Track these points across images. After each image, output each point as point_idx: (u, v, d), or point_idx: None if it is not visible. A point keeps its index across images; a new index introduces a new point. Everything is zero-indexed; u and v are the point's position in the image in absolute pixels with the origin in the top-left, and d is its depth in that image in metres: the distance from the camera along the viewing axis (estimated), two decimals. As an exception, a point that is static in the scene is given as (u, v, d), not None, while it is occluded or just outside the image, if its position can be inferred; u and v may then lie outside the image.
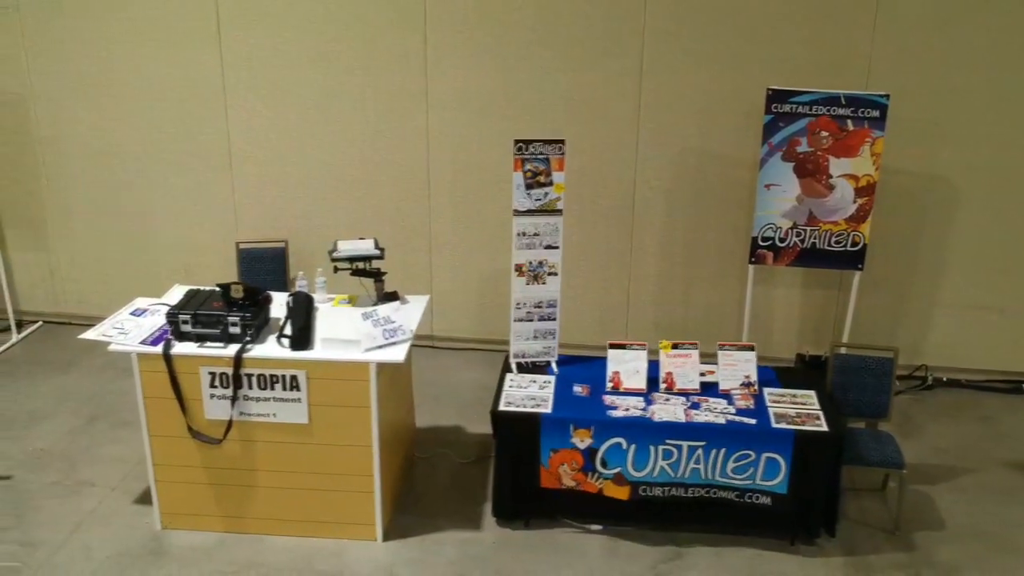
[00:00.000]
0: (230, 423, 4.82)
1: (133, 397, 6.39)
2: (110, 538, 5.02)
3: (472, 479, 5.58)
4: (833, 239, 6.14)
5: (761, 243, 6.23)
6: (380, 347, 4.78)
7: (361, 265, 5.32)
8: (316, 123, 6.75)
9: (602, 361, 5.25)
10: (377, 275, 5.29)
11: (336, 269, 5.31)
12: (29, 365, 6.92)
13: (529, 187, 4.98)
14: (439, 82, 6.54)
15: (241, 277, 6.86)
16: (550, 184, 5.00)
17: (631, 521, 5.06)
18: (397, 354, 4.74)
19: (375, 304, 5.26)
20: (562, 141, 4.97)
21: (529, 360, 5.33)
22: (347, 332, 4.84)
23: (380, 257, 5.27)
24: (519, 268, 5.14)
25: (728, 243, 6.68)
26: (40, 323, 7.53)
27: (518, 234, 5.07)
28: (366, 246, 5.24)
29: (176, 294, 5.40)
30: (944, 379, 6.79)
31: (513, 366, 5.30)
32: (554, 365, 5.33)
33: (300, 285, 5.28)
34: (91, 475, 5.58)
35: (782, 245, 6.22)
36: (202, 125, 6.85)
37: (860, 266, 6.17)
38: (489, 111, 6.56)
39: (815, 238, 6.15)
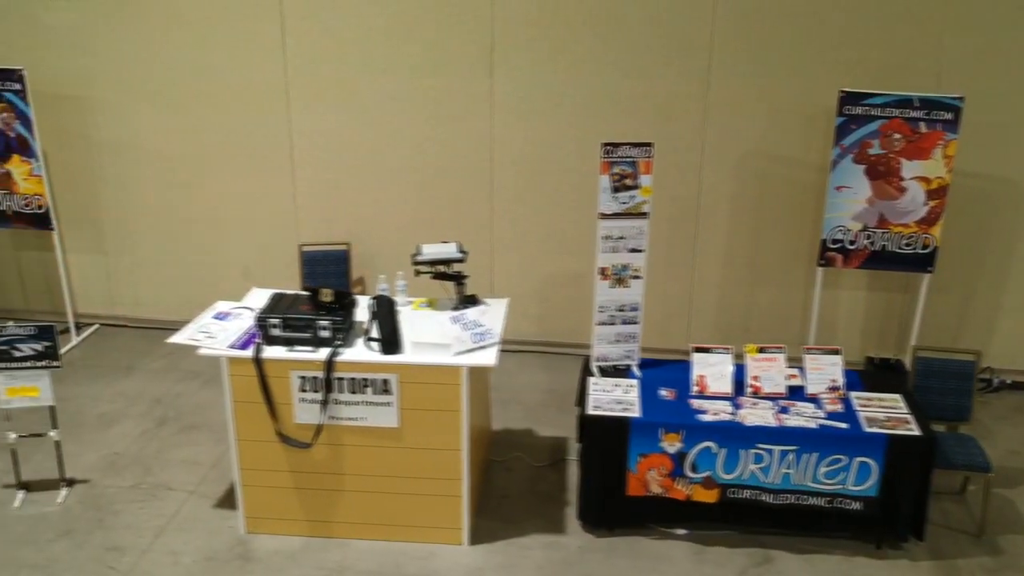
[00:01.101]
0: (319, 427, 4.80)
1: (198, 400, 6.45)
2: (195, 542, 5.01)
3: (549, 483, 5.57)
4: (903, 242, 6.13)
5: (830, 245, 6.22)
6: (469, 351, 4.76)
7: (442, 268, 5.31)
8: (379, 126, 6.74)
9: (683, 364, 5.24)
10: (458, 278, 5.28)
11: (417, 272, 5.30)
12: (89, 368, 6.90)
13: (616, 190, 4.97)
14: (505, 84, 6.53)
15: (304, 280, 6.85)
16: (636, 187, 4.99)
17: (716, 525, 5.04)
18: (488, 357, 4.73)
19: (455, 307, 5.25)
20: (650, 144, 4.96)
21: (611, 364, 5.31)
22: (436, 336, 4.83)
23: (462, 260, 5.26)
24: (603, 271, 5.13)
25: (792, 246, 6.67)
26: (96, 325, 7.52)
27: (603, 237, 5.06)
28: (449, 249, 5.22)
29: (256, 297, 5.39)
30: (1008, 381, 6.77)
31: (595, 370, 5.29)
32: (635, 368, 5.31)
33: (381, 288, 5.26)
34: (167, 479, 5.57)
35: (851, 247, 6.21)
36: (265, 129, 6.84)
37: (930, 268, 6.16)
38: (554, 114, 6.55)
39: (885, 240, 6.14)
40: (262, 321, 4.80)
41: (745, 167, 6.53)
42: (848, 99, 5.95)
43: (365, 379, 4.72)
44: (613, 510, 5.02)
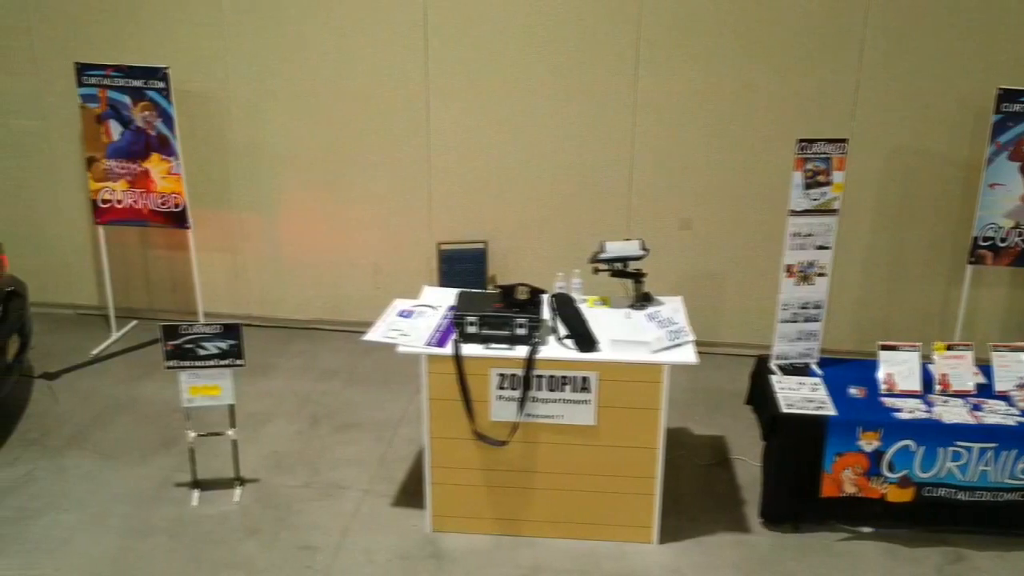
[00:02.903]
0: (515, 425, 4.79)
1: (345, 399, 6.44)
2: (383, 541, 5.00)
3: (720, 481, 5.55)
4: (1056, 239, 6.11)
5: (981, 243, 6.20)
6: (666, 348, 4.75)
7: (618, 266, 5.29)
8: (518, 126, 6.72)
9: (863, 362, 5.23)
10: (637, 276, 5.26)
11: (596, 270, 5.29)
12: (224, 367, 6.88)
13: (808, 187, 4.95)
14: (649, 83, 6.51)
15: (441, 278, 6.84)
16: (829, 184, 4.97)
17: (903, 523, 5.02)
18: (688, 355, 4.71)
19: (632, 305, 5.24)
20: (844, 140, 4.95)
21: (789, 362, 5.29)
22: (636, 333, 4.82)
23: (639, 258, 5.24)
24: (789, 269, 5.11)
25: (937, 243, 6.65)
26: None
27: (792, 234, 5.04)
28: (632, 247, 5.20)
29: (432, 295, 5.37)
30: None
31: (775, 368, 5.27)
32: (815, 367, 5.29)
33: (560, 286, 5.25)
34: (336, 477, 5.56)
35: (1003, 245, 6.19)
36: (402, 128, 6.83)
37: (1081, 266, 6.15)
38: (697, 113, 6.53)
39: (1038, 237, 6.13)
40: (459, 319, 4.79)
41: (892, 164, 6.51)
42: (1006, 96, 5.94)
43: (564, 376, 4.71)
44: (801, 508, 5.00)
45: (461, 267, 6.82)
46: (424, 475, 4.97)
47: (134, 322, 7.51)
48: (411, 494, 5.39)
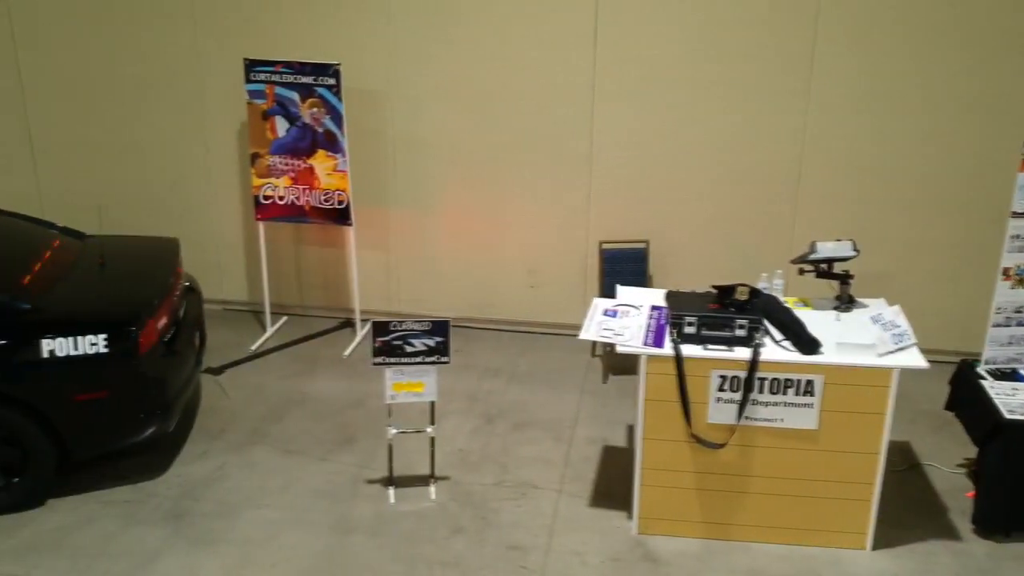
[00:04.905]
0: (733, 428, 4.72)
1: (511, 397, 6.41)
2: (591, 543, 4.95)
3: (916, 487, 5.45)
4: None
5: None
6: (890, 352, 4.66)
7: (824, 267, 5.21)
8: (682, 124, 6.66)
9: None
10: (844, 277, 5.18)
11: (802, 271, 5.21)
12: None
13: (1033, 188, 4.83)
14: (824, 83, 6.41)
15: (602, 277, 6.80)
16: (1052, 185, 4.85)
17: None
18: (917, 359, 4.62)
19: (837, 307, 5.16)
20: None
21: (997, 367, 5.18)
22: (853, 336, 4.74)
23: (849, 259, 5.15)
24: (1006, 272, 5.00)
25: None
26: (371, 322, 7.48)
27: (1011, 236, 4.93)
28: (844, 247, 5.12)
29: (628, 295, 5.32)
30: None
31: (984, 372, 5.16)
32: (1022, 371, 5.18)
33: (764, 287, 5.18)
34: (527, 477, 5.53)
35: None
36: (564, 126, 6.78)
37: None
38: (877, 111, 6.42)
39: None
40: (676, 319, 4.73)
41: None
42: None
43: (788, 379, 4.63)
44: (1020, 516, 4.89)
45: (621, 267, 6.76)
46: (634, 477, 4.92)
47: (284, 318, 7.54)
48: (605, 495, 5.35)
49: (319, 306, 7.55)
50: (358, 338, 7.23)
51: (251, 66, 6.61)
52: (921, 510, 5.25)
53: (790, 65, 6.43)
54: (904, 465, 5.67)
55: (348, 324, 7.45)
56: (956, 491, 5.40)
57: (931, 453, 5.77)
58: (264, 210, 6.94)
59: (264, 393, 6.42)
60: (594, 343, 7.03)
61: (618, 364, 6.76)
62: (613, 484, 5.45)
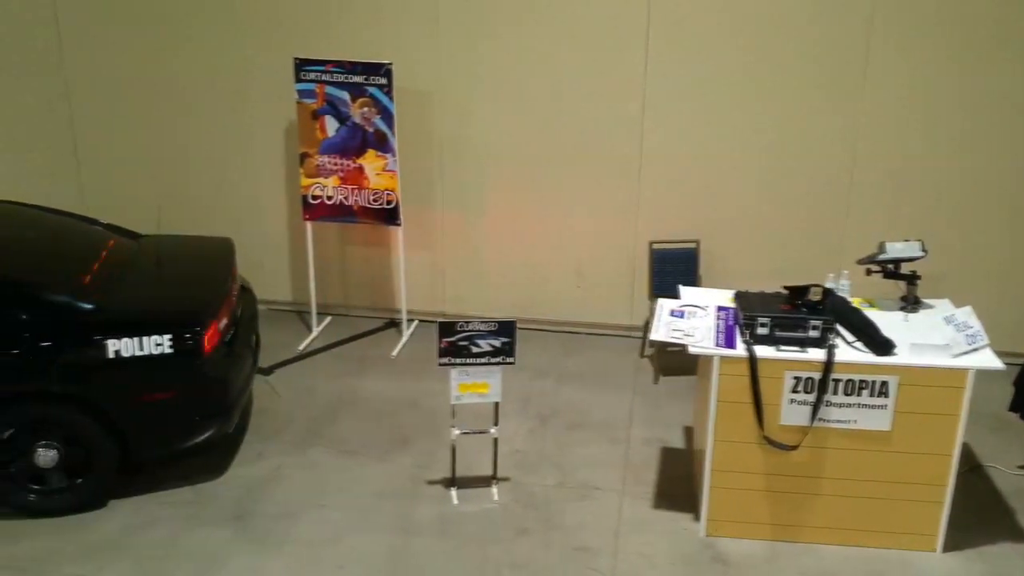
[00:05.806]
0: (806, 429, 4.69)
1: (564, 398, 6.39)
2: (658, 544, 4.93)
3: (978, 490, 5.43)
4: None
5: None
6: (964, 353, 4.63)
7: (891, 267, 5.18)
8: (733, 124, 6.62)
9: None
10: (912, 278, 5.15)
11: (869, 272, 5.18)
12: (429, 364, 6.84)
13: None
14: (878, 84, 6.37)
15: (652, 277, 6.77)
16: None
17: None
18: (992, 361, 4.59)
19: (904, 308, 5.14)
20: None
21: (1064, 368, 5.16)
22: (926, 337, 4.71)
23: (917, 259, 5.12)
24: (1076, 273, 4.97)
25: None
26: (416, 322, 7.47)
27: (1083, 238, 4.90)
28: (913, 248, 5.09)
29: (692, 296, 5.29)
30: None
31: (1051, 375, 5.14)
32: (1091, 374, 5.15)
33: (832, 287, 5.14)
34: (587, 478, 5.50)
35: None
36: (615, 127, 6.75)
37: None
38: (932, 113, 6.39)
39: None
40: (749, 320, 4.70)
41: None
42: None
43: (863, 380, 4.60)
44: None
45: (672, 267, 6.73)
46: (703, 478, 4.89)
47: (328, 318, 7.51)
48: (667, 496, 5.32)
49: (363, 306, 7.52)
50: (404, 338, 7.21)
51: (301, 65, 6.59)
52: (986, 512, 5.22)
53: (842, 66, 6.39)
54: (966, 467, 5.63)
55: (393, 324, 7.42)
56: (1020, 493, 5.37)
57: (992, 455, 5.74)
58: (312, 210, 6.91)
59: (315, 393, 6.40)
60: (642, 343, 7.00)
61: (668, 365, 6.72)
62: (674, 485, 5.42)
